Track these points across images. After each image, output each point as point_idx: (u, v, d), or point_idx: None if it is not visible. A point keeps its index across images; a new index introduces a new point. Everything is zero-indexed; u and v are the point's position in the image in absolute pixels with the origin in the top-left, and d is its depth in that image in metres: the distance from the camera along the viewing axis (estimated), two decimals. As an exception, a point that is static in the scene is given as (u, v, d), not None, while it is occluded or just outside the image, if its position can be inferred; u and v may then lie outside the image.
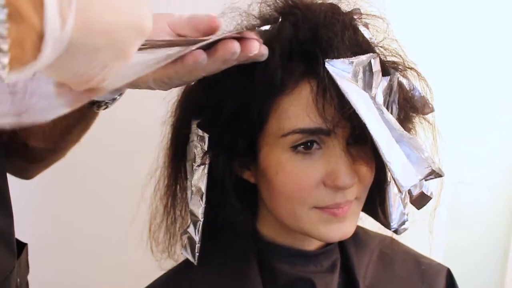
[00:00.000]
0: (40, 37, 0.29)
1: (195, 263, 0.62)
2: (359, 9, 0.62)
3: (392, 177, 0.54)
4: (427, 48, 0.96)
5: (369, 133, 0.53)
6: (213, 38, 0.49)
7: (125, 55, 0.35)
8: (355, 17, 0.61)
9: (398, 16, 0.66)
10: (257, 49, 0.52)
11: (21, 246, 0.73)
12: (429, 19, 1.04)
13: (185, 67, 0.50)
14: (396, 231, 0.69)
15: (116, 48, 0.34)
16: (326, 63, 0.55)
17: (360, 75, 0.57)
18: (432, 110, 0.66)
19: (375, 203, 0.69)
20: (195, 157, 0.62)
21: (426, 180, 0.59)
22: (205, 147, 0.61)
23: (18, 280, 0.70)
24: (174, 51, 0.46)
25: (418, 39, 0.70)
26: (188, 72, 0.52)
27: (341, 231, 0.60)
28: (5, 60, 0.28)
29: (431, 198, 0.63)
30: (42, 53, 0.30)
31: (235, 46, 0.50)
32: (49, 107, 0.38)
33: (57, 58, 0.31)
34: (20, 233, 0.71)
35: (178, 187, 0.67)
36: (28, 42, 0.29)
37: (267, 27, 0.54)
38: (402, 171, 0.54)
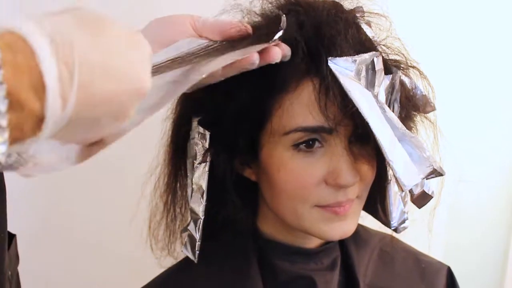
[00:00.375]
0: (41, 119, 0.29)
1: (196, 261, 0.62)
2: (361, 7, 0.62)
3: (394, 176, 0.54)
4: (428, 46, 0.96)
5: (371, 131, 0.53)
6: (235, 55, 0.50)
7: (125, 115, 0.35)
8: (357, 15, 0.61)
9: (400, 14, 0.65)
10: (279, 57, 0.53)
11: (10, 237, 0.73)
12: (430, 18, 1.03)
13: (208, 79, 0.51)
14: (396, 230, 0.69)
15: (116, 113, 0.34)
16: (329, 61, 0.55)
17: (363, 73, 0.57)
18: (433, 109, 0.66)
19: (376, 202, 0.69)
20: (196, 155, 0.62)
21: (427, 179, 0.59)
22: (206, 145, 0.61)
23: (9, 272, 0.69)
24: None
25: (420, 37, 0.69)
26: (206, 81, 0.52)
27: (342, 229, 0.60)
28: (3, 148, 0.28)
29: (432, 197, 0.63)
30: (42, 132, 0.30)
31: (255, 57, 0.51)
32: (58, 161, 0.38)
33: (57, 132, 0.32)
34: (14, 226, 0.70)
35: (178, 184, 0.67)
36: (28, 125, 0.29)
37: (280, 34, 0.54)
38: (405, 170, 0.54)
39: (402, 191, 0.55)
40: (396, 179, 0.54)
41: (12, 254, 0.72)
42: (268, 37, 0.53)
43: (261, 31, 0.57)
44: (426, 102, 0.65)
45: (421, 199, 0.64)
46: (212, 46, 0.54)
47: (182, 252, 0.64)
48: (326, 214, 0.59)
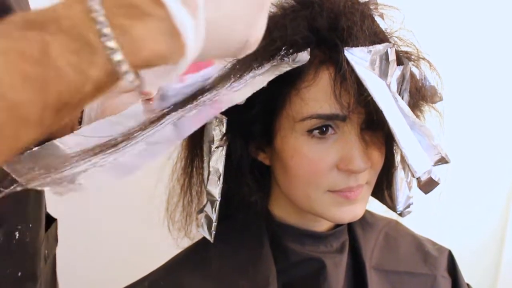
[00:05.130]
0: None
1: (212, 240, 0.65)
2: (375, -1, 0.64)
3: (407, 163, 0.56)
4: (438, 38, 0.98)
5: (385, 119, 0.56)
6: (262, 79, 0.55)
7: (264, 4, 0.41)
8: (371, 7, 0.63)
9: (411, 6, 0.68)
10: None
11: (51, 220, 0.76)
12: (439, 10, 1.05)
13: None
14: (401, 214, 0.72)
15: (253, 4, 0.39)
16: (345, 51, 0.57)
17: (377, 63, 0.59)
18: (440, 99, 0.69)
19: (382, 187, 0.72)
20: (213, 139, 0.64)
21: (434, 166, 0.61)
22: (224, 130, 0.63)
23: (46, 251, 0.73)
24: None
25: (429, 29, 0.71)
26: None
27: (352, 213, 0.63)
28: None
29: (438, 184, 0.66)
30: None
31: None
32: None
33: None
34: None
35: (195, 168, 0.69)
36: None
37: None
38: (416, 157, 0.56)
39: (414, 177, 0.58)
40: (408, 166, 0.56)
41: (51, 235, 0.75)
42: (287, 55, 0.58)
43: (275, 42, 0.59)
44: (434, 92, 0.68)
45: (428, 186, 0.67)
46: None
47: (198, 232, 0.67)
48: (337, 198, 0.62)
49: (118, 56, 0.33)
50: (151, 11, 0.34)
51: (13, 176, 0.44)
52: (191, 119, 0.49)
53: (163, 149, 0.45)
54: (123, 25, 0.33)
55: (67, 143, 0.51)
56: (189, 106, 0.54)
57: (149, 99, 0.57)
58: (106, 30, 0.32)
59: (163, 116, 0.52)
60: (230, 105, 0.51)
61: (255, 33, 0.41)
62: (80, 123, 0.68)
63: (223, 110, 0.50)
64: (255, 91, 0.53)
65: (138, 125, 0.52)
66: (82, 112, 0.67)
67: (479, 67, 1.13)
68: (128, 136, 0.49)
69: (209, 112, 0.51)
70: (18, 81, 0.30)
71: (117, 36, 0.33)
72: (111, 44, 0.32)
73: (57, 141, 0.51)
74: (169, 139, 0.47)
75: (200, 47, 0.37)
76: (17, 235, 0.65)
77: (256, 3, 0.40)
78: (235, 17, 0.39)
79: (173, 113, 0.52)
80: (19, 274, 0.66)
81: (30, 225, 0.67)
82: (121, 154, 0.45)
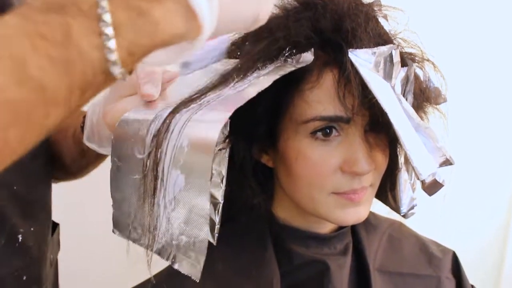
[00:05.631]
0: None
1: (215, 243, 0.64)
2: (379, 0, 0.63)
3: (412, 165, 0.56)
4: (442, 40, 0.97)
5: (390, 121, 0.55)
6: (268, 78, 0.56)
7: None
8: (375, 8, 0.63)
9: (415, 8, 0.67)
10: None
11: (54, 226, 0.76)
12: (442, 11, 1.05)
13: None
14: (404, 216, 0.72)
15: None
16: (349, 53, 0.56)
17: (381, 65, 0.59)
18: (444, 101, 0.68)
19: (386, 188, 0.72)
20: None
21: (438, 168, 0.61)
22: (226, 132, 0.63)
23: (52, 256, 0.73)
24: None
25: (431, 31, 0.71)
26: None
27: (356, 215, 0.63)
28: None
29: (443, 186, 0.65)
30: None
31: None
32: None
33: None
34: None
35: None
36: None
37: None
38: (421, 159, 0.56)
39: (419, 179, 0.57)
40: (413, 168, 0.56)
41: (55, 241, 0.75)
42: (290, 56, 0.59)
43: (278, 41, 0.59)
44: (438, 94, 0.67)
45: (432, 187, 0.66)
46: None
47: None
48: (341, 200, 0.61)
49: (111, 44, 0.33)
50: None
51: None
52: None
53: None
54: (141, 7, 0.34)
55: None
56: (192, 106, 0.53)
57: (152, 101, 0.56)
58: (106, 17, 0.33)
59: (167, 120, 0.52)
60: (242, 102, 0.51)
61: (266, 7, 0.43)
62: (82, 128, 0.67)
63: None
64: (260, 90, 0.53)
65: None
66: (84, 117, 0.67)
67: (483, 68, 1.13)
68: None
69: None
70: (45, 63, 0.31)
71: (131, 18, 0.34)
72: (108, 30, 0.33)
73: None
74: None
75: (214, 26, 0.39)
76: (20, 238, 0.65)
77: None
78: None
79: (177, 116, 0.52)
80: (24, 278, 0.66)
81: (32, 229, 0.67)
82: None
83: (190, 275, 0.49)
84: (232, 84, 0.56)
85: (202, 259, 0.49)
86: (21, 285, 0.65)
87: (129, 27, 0.34)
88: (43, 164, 0.71)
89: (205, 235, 0.49)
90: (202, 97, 0.56)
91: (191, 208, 0.51)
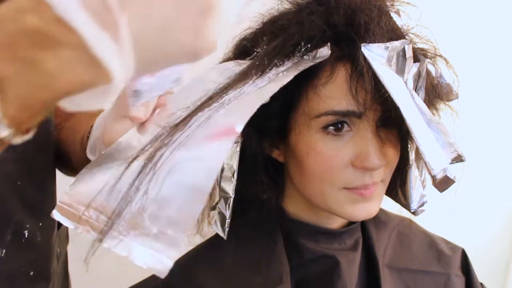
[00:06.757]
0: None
1: (225, 237, 0.64)
2: (392, -5, 0.63)
3: (424, 160, 0.56)
4: (452, 36, 0.97)
5: (402, 116, 0.55)
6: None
7: None
8: (388, 3, 0.62)
9: (428, 3, 0.67)
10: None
11: None
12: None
13: None
14: (414, 212, 0.72)
15: None
16: (362, 47, 0.56)
17: (394, 60, 0.59)
18: (456, 97, 0.68)
19: (396, 185, 0.71)
20: (227, 136, 0.64)
21: (450, 164, 0.61)
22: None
23: (58, 250, 0.72)
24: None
25: (443, 26, 0.71)
26: None
27: (366, 210, 0.63)
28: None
29: (454, 182, 0.65)
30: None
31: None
32: None
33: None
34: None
35: None
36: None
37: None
38: (434, 154, 0.56)
39: (431, 174, 0.57)
40: (425, 163, 0.56)
41: (62, 234, 0.75)
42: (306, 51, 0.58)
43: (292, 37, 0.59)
44: (450, 90, 0.67)
45: (444, 184, 0.66)
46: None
47: (211, 229, 0.66)
48: (352, 195, 0.61)
49: None
50: (64, 39, 0.30)
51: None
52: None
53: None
54: (32, 58, 0.30)
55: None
56: (214, 105, 0.53)
57: (143, 123, 0.54)
58: None
59: (187, 118, 0.52)
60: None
61: (203, 43, 0.36)
62: (88, 138, 0.67)
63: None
64: (282, 85, 0.53)
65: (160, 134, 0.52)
66: (91, 126, 0.66)
67: (493, 65, 1.13)
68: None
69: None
70: None
71: (19, 71, 0.30)
72: None
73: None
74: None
75: (132, 66, 0.33)
76: (26, 233, 0.65)
77: (197, 8, 0.34)
78: (170, 27, 0.34)
79: (199, 114, 0.52)
80: (32, 273, 0.65)
81: (40, 224, 0.67)
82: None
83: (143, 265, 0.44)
84: (251, 82, 0.56)
85: (162, 256, 0.45)
86: (29, 280, 0.65)
87: (17, 81, 0.30)
88: (49, 158, 0.71)
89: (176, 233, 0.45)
90: (224, 95, 0.56)
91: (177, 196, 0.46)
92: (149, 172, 0.48)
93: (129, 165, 0.51)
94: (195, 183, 0.44)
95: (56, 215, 0.50)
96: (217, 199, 0.67)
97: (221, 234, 0.65)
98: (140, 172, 0.49)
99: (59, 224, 0.73)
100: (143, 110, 0.52)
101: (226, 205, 0.64)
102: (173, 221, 0.45)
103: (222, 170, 0.64)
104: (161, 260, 0.45)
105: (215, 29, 0.36)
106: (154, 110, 0.53)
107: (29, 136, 0.33)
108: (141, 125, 0.53)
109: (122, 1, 0.31)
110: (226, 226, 0.64)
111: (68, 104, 0.33)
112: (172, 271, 0.67)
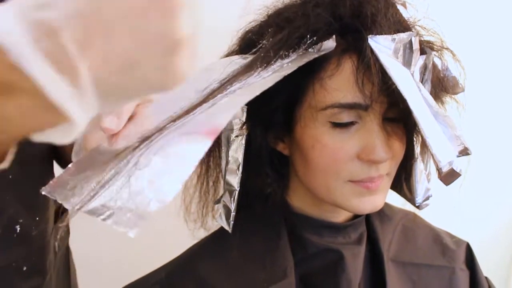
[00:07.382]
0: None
1: (230, 230, 0.64)
2: (399, -13, 0.63)
3: (431, 152, 0.55)
4: (459, 28, 0.96)
5: (409, 108, 0.55)
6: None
7: None
8: None
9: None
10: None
11: (62, 212, 0.75)
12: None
13: None
14: (419, 206, 0.71)
15: None
16: (369, 39, 0.56)
17: (400, 52, 0.58)
18: (462, 90, 0.68)
19: (401, 179, 0.71)
20: (232, 128, 0.63)
21: (457, 157, 0.61)
22: (243, 118, 0.62)
23: (56, 243, 0.72)
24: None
25: (450, 19, 0.70)
26: None
27: (372, 203, 0.62)
28: None
29: (460, 175, 0.65)
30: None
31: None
32: None
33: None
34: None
35: (212, 157, 0.68)
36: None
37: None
38: (440, 147, 0.56)
39: (438, 167, 0.57)
40: (432, 155, 0.56)
41: (62, 227, 0.74)
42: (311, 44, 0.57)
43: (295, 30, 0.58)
44: (456, 83, 0.67)
45: (449, 177, 0.66)
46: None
47: (216, 222, 0.66)
48: (358, 188, 0.61)
49: None
50: (20, 85, 0.30)
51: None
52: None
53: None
54: None
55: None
56: (219, 95, 0.53)
57: (114, 134, 0.50)
58: None
59: (193, 108, 0.51)
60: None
61: (171, 79, 0.35)
62: None
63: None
64: (285, 74, 0.53)
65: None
66: None
67: (498, 58, 1.12)
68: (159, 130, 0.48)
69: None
70: None
71: None
72: None
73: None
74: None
75: (95, 106, 0.33)
76: (18, 228, 0.64)
77: (163, 48, 0.33)
78: (134, 68, 0.33)
79: (204, 105, 0.51)
80: (24, 268, 0.65)
81: (37, 219, 0.66)
82: (151, 150, 0.45)
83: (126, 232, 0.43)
84: (256, 73, 0.56)
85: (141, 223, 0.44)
86: (22, 276, 0.64)
87: None
88: (43, 152, 0.69)
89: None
90: (228, 86, 0.55)
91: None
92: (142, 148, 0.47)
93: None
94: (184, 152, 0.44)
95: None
96: (221, 192, 0.66)
97: (226, 227, 0.64)
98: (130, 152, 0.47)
99: (56, 218, 0.73)
100: (115, 121, 0.49)
101: (231, 198, 0.64)
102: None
103: (227, 163, 0.64)
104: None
105: (184, 65, 0.35)
106: (129, 119, 0.50)
107: (4, 165, 0.34)
108: (111, 137, 0.50)
109: (82, 46, 0.30)
110: (231, 219, 0.64)
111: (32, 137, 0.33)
112: (176, 265, 0.68)
